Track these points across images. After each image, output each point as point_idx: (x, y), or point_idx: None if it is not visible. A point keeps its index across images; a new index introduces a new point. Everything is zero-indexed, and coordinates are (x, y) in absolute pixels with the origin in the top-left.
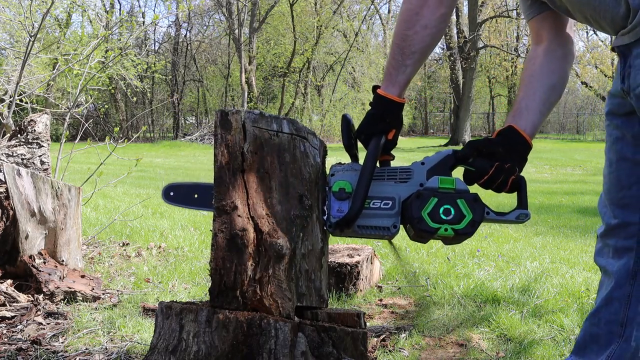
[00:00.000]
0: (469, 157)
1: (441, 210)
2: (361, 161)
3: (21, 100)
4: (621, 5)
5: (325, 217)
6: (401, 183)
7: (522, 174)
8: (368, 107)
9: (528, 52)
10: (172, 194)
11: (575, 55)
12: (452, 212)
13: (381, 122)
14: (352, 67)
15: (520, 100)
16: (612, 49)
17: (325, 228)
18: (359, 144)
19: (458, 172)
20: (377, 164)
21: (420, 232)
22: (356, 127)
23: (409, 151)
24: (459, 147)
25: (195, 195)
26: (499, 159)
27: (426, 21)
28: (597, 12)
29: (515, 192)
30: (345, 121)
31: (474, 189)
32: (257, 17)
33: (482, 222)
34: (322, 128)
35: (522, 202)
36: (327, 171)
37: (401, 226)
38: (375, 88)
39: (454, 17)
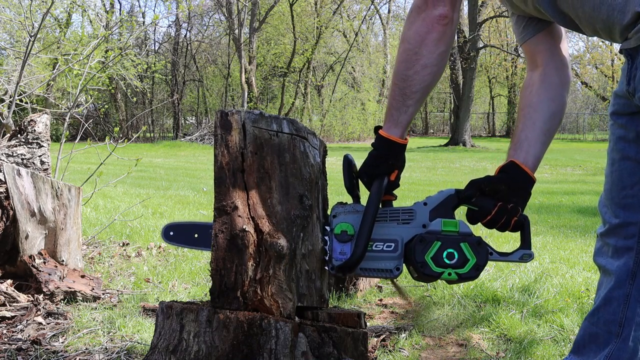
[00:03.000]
0: (472, 197)
1: (445, 254)
2: (363, 201)
3: (21, 100)
4: (628, 13)
5: (327, 258)
6: (404, 224)
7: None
8: (368, 107)
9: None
10: (172, 233)
11: (571, 78)
12: (456, 256)
13: (384, 164)
14: (352, 67)
15: (519, 132)
16: (620, 51)
17: (326, 268)
18: (360, 183)
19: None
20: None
21: (423, 276)
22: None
23: (409, 151)
24: (460, 147)
25: (196, 235)
26: (502, 197)
27: (426, 60)
28: (606, 24)
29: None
30: (347, 162)
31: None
32: (257, 17)
33: (486, 265)
34: (322, 128)
35: (526, 242)
36: (331, 209)
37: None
38: (377, 128)
39: None
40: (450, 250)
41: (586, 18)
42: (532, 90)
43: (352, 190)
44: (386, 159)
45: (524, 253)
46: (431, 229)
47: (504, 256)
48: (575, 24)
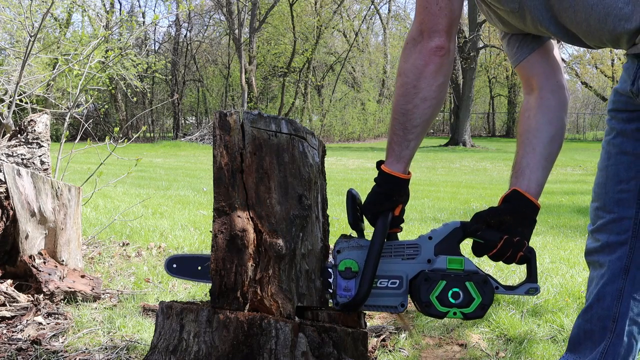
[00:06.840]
0: (478, 230)
1: (450, 293)
2: (367, 236)
3: (21, 100)
4: (635, 20)
5: (331, 292)
6: (408, 259)
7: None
8: (368, 107)
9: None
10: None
11: (569, 99)
12: (461, 295)
13: (387, 200)
14: (352, 67)
15: (520, 159)
16: (626, 54)
17: (331, 301)
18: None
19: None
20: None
21: (428, 315)
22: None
23: None
24: (460, 147)
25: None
26: (508, 229)
27: (425, 93)
28: (613, 34)
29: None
30: (351, 197)
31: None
32: (257, 17)
33: (491, 303)
34: (322, 128)
35: (532, 276)
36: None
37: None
38: (379, 163)
39: None
40: (455, 289)
41: (591, 31)
42: (530, 115)
43: (356, 225)
44: (390, 196)
45: (530, 287)
46: (436, 266)
47: (510, 290)
48: (577, 38)
